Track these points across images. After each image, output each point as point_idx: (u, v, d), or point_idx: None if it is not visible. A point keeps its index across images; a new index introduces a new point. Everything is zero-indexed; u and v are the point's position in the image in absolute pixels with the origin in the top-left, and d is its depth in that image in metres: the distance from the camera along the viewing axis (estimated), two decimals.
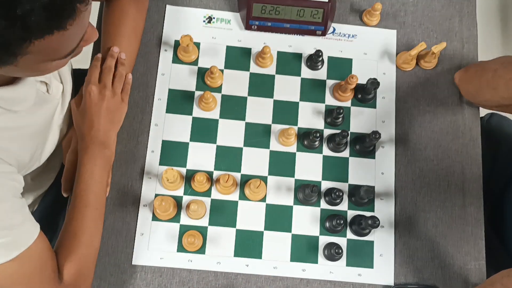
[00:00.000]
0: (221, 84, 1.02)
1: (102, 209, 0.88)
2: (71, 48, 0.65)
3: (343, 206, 0.97)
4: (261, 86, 1.02)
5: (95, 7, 1.04)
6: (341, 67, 1.04)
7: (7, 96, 0.72)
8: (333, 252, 0.91)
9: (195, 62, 1.02)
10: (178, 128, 0.99)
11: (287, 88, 1.02)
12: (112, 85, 0.93)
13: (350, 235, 0.95)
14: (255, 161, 0.98)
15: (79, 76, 0.98)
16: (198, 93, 1.01)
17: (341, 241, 0.95)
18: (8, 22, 0.53)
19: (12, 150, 0.76)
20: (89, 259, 0.84)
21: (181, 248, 0.93)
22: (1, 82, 0.72)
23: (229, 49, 1.04)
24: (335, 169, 0.99)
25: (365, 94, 1.01)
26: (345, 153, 1.00)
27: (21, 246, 0.72)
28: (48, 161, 0.99)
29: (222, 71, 1.02)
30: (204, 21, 1.05)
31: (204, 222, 0.94)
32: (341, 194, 0.93)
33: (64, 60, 0.66)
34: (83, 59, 1.10)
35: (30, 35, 0.56)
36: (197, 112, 1.00)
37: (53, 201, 1.07)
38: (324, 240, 0.95)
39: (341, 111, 0.96)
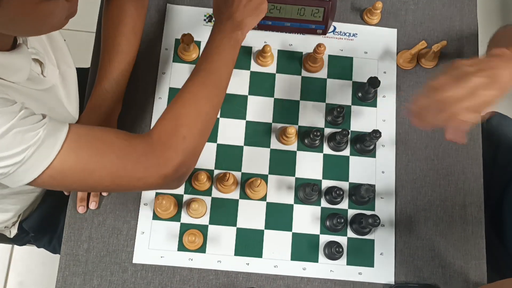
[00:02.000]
0: None
1: (221, 92, 0.81)
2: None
3: (344, 205, 0.97)
4: (262, 85, 1.02)
5: (95, 7, 1.04)
6: (341, 66, 1.04)
7: (3, 62, 0.71)
8: (333, 251, 0.91)
9: (195, 61, 1.02)
10: None
11: (288, 87, 1.02)
12: None
13: (350, 234, 0.95)
14: (255, 160, 0.98)
15: (80, 75, 0.97)
16: None
17: (342, 240, 0.95)
18: None
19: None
20: (189, 125, 0.75)
21: (181, 247, 0.93)
22: None
23: None
24: (336, 168, 0.99)
25: (365, 93, 1.01)
26: (346, 152, 1.00)
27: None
28: None
29: None
30: (204, 20, 1.05)
31: (204, 220, 0.94)
32: (341, 192, 0.93)
33: (52, 7, 0.63)
34: (83, 58, 1.11)
35: None
36: None
37: (53, 201, 1.07)
38: (324, 239, 0.95)
39: (342, 110, 0.96)
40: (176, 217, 0.94)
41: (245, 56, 1.04)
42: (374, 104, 1.03)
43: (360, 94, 1.02)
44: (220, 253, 0.93)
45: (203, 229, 0.94)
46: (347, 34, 1.06)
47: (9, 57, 0.72)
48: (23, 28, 0.68)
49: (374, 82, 0.97)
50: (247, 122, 1.00)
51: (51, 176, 0.66)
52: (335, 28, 1.06)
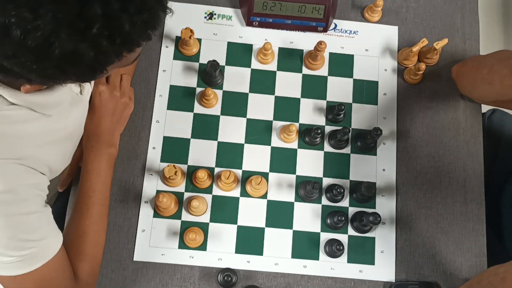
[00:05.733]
0: (222, 82, 1.02)
1: (107, 207, 0.89)
2: (139, 53, 0.68)
3: (344, 202, 0.97)
4: (262, 82, 1.02)
5: None
6: (342, 64, 1.04)
7: (44, 101, 0.72)
8: (334, 249, 0.91)
9: (196, 56, 1.02)
10: (179, 124, 0.99)
11: (288, 84, 1.02)
12: (120, 85, 0.94)
13: (351, 231, 0.96)
14: (256, 157, 0.98)
15: None
16: (199, 90, 1.01)
17: (342, 238, 0.95)
18: (110, 41, 0.55)
19: (44, 157, 0.75)
20: (98, 257, 0.86)
21: (182, 245, 0.93)
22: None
23: (230, 45, 1.04)
24: (336, 165, 0.99)
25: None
26: (347, 150, 1.00)
27: (47, 256, 0.73)
28: None
29: (223, 67, 1.02)
30: (205, 17, 1.05)
31: (205, 218, 0.94)
32: (342, 190, 0.93)
33: None
34: None
35: (125, 49, 0.59)
36: (198, 108, 1.00)
37: (62, 201, 1.07)
38: (325, 236, 0.95)
39: (343, 107, 0.96)
40: (176, 215, 0.94)
41: (245, 53, 1.03)
42: (375, 102, 1.02)
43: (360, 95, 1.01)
44: (221, 250, 0.93)
45: (203, 227, 0.94)
46: (348, 32, 1.06)
47: (49, 97, 0.73)
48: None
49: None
50: (248, 120, 1.00)
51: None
52: (336, 25, 1.06)
